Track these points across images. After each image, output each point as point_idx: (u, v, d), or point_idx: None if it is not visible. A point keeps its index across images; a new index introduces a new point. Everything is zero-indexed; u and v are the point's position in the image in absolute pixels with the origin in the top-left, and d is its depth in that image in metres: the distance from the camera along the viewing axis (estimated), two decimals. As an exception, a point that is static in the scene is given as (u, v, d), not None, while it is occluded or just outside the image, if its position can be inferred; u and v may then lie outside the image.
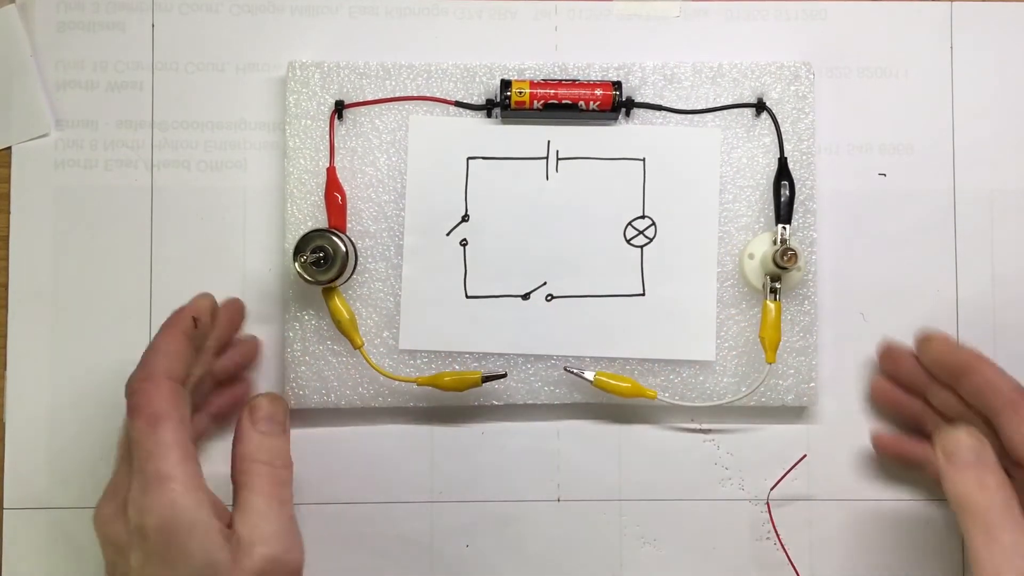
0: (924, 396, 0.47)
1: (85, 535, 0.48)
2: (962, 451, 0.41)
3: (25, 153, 0.49)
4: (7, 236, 0.49)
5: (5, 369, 0.49)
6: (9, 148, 0.49)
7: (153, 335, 0.49)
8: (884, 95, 0.50)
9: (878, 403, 0.49)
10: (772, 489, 0.48)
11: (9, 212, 0.49)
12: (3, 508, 0.48)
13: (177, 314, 0.42)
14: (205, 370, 0.44)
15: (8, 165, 0.49)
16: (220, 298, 0.46)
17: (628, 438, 0.49)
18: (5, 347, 0.49)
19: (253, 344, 0.48)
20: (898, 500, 0.49)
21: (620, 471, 0.49)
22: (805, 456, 0.48)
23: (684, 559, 0.49)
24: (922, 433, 0.47)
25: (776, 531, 0.49)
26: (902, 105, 0.50)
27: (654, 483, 0.49)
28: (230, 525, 0.38)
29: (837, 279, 0.49)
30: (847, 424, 0.49)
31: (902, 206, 0.50)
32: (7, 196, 0.49)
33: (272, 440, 0.40)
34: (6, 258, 0.49)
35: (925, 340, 0.47)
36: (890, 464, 0.49)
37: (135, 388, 0.38)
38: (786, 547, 0.49)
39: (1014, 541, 0.38)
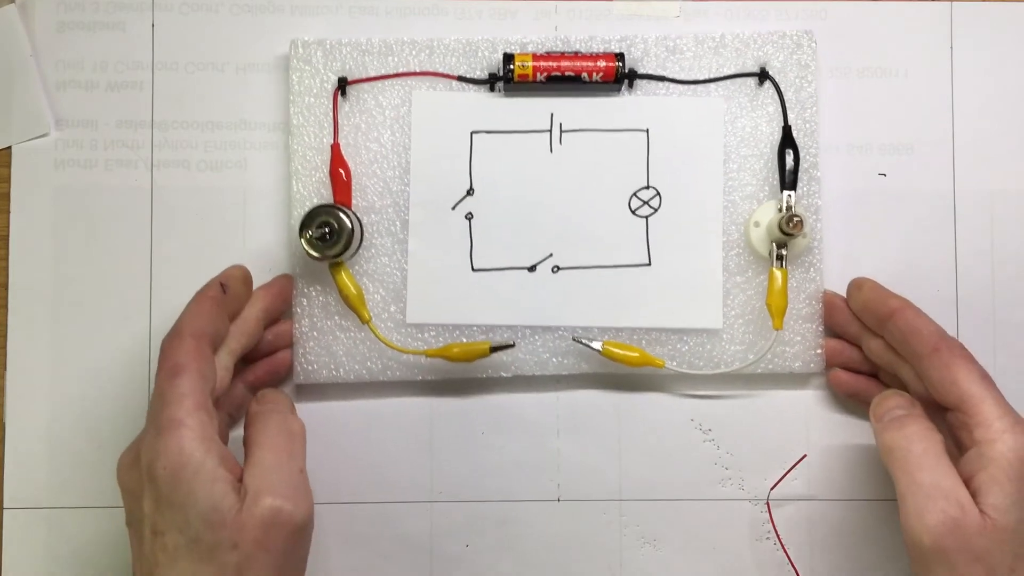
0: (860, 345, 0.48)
1: (85, 535, 0.48)
2: (891, 411, 0.41)
3: (25, 153, 0.49)
4: (7, 236, 0.49)
5: (5, 369, 0.49)
6: (9, 148, 0.49)
7: (154, 335, 0.49)
8: (884, 95, 0.50)
9: (831, 360, 0.49)
10: (772, 489, 0.48)
11: (9, 212, 0.49)
12: (3, 508, 0.48)
13: (209, 282, 0.44)
14: (252, 341, 0.45)
15: (8, 165, 0.49)
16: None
17: (629, 436, 0.49)
18: (5, 347, 0.49)
19: (287, 326, 0.48)
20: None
21: (620, 471, 0.49)
22: (805, 456, 0.48)
23: (684, 559, 0.49)
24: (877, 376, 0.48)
25: (776, 531, 0.49)
26: (902, 105, 0.50)
27: (654, 483, 0.49)
28: (242, 480, 0.38)
29: (837, 277, 0.49)
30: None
31: (902, 206, 0.50)
32: (7, 196, 0.49)
33: (280, 406, 0.43)
34: (6, 258, 0.49)
35: (856, 287, 0.47)
36: (847, 401, 0.49)
37: (162, 345, 0.40)
38: (786, 547, 0.49)
39: (934, 482, 0.38)
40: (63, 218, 0.49)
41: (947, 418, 0.42)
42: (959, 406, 0.40)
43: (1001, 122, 0.50)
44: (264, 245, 0.49)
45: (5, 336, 0.49)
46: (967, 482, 0.38)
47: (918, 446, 0.39)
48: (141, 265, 0.49)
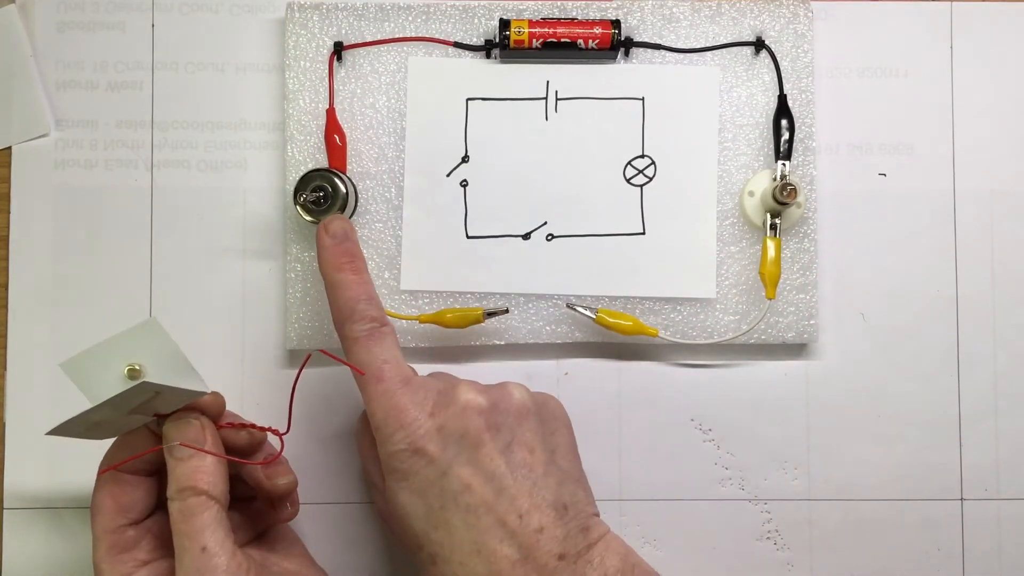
0: None
1: (85, 535, 0.48)
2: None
3: (25, 153, 0.49)
4: (7, 236, 0.49)
5: (5, 369, 0.49)
6: (9, 148, 0.49)
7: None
8: (884, 95, 0.50)
9: None
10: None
11: (9, 212, 0.49)
12: (3, 508, 0.48)
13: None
14: None
15: (8, 165, 0.49)
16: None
17: (630, 433, 0.49)
18: (5, 347, 0.49)
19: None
20: (898, 500, 0.49)
21: (620, 471, 0.49)
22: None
23: (684, 559, 0.49)
24: None
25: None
26: (902, 105, 0.50)
27: (654, 483, 0.49)
28: None
29: (837, 276, 0.50)
30: (847, 362, 0.49)
31: (902, 206, 0.50)
32: (7, 196, 0.49)
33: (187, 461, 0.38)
34: (6, 258, 0.49)
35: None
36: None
37: None
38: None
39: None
40: (63, 218, 0.49)
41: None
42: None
43: (1001, 122, 0.50)
44: (264, 245, 0.49)
45: (5, 336, 0.49)
46: None
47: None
48: (141, 265, 0.49)
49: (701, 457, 0.49)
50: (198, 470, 0.37)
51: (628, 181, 0.49)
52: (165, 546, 0.39)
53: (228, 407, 0.49)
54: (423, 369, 0.49)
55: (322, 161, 0.48)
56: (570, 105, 0.49)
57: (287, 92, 0.49)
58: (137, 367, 0.37)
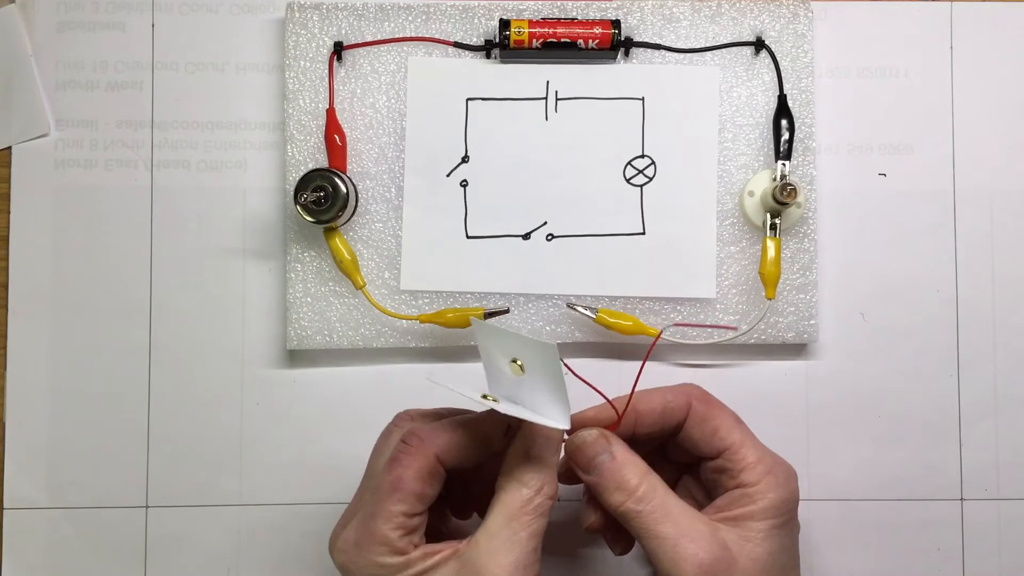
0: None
1: (85, 535, 0.48)
2: (595, 460, 0.39)
3: (25, 153, 0.49)
4: (7, 236, 0.49)
5: (5, 369, 0.49)
6: (9, 148, 0.49)
7: (154, 335, 0.49)
8: (884, 95, 0.50)
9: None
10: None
11: (9, 212, 0.49)
12: (3, 508, 0.48)
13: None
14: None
15: (8, 165, 0.49)
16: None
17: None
18: (5, 347, 0.49)
19: None
20: (898, 500, 0.49)
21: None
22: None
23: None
24: None
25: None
26: (902, 105, 0.50)
27: (654, 483, 0.49)
28: None
29: (837, 276, 0.50)
30: (847, 362, 0.49)
31: (902, 206, 0.50)
32: (7, 196, 0.49)
33: (535, 463, 0.38)
34: (6, 258, 0.49)
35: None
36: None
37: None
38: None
39: (679, 531, 0.38)
40: (63, 218, 0.49)
41: (706, 465, 0.41)
42: (722, 455, 0.40)
43: (1001, 122, 0.50)
44: (264, 245, 0.49)
45: (5, 336, 0.49)
46: (722, 515, 0.39)
47: (648, 499, 0.38)
48: (141, 265, 0.49)
49: (701, 457, 0.49)
50: (551, 478, 0.38)
51: (628, 181, 0.49)
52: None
53: (228, 407, 0.49)
54: (422, 368, 0.49)
55: (322, 161, 0.48)
56: (570, 105, 0.49)
57: (287, 92, 0.49)
58: (520, 364, 0.37)
